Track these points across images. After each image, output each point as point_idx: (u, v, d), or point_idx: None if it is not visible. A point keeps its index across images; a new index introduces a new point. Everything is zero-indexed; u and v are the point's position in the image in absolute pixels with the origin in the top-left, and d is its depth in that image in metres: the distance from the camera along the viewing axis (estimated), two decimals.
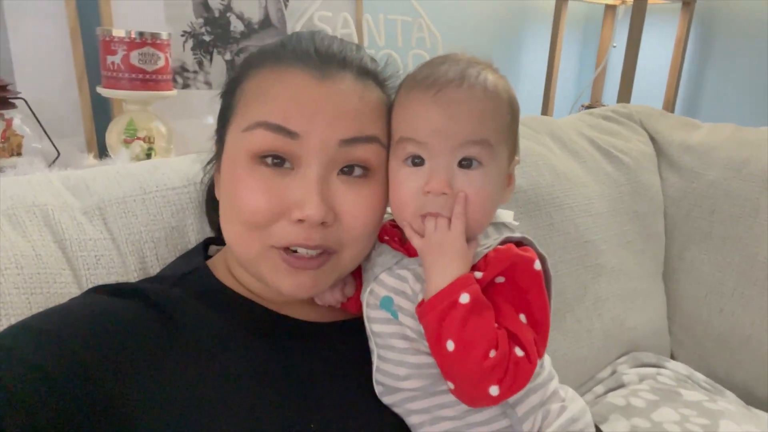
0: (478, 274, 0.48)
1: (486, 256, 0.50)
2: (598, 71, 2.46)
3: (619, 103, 1.33)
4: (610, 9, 2.43)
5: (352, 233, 0.52)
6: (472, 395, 0.48)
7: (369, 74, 0.55)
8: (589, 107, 2.21)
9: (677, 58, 2.22)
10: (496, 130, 0.51)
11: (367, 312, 0.55)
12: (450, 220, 0.49)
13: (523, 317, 0.49)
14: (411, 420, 0.54)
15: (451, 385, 0.48)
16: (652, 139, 1.21)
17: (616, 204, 1.09)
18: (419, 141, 0.49)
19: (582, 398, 0.57)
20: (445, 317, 0.46)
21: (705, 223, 1.09)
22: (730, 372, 1.04)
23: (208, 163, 0.64)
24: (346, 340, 0.58)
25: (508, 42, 2.40)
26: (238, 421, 0.47)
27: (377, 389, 0.55)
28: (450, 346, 0.45)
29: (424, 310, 0.48)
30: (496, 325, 0.47)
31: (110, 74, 1.16)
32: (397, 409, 0.54)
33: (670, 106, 2.23)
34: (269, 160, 0.51)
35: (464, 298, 0.46)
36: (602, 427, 0.81)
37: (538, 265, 0.50)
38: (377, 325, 0.54)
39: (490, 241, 0.51)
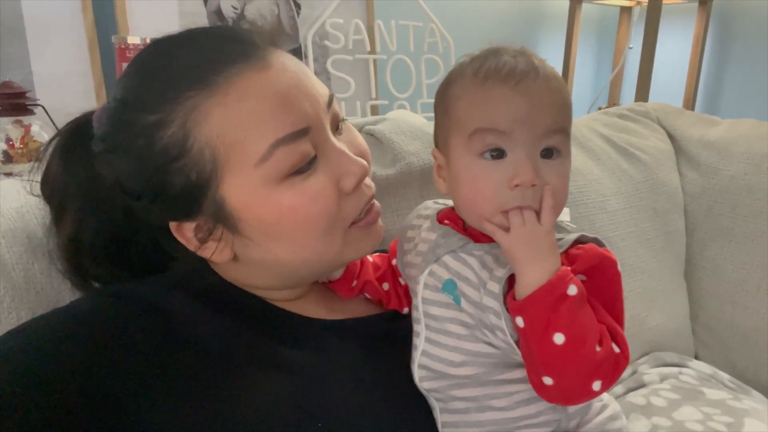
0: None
1: (568, 252, 0.48)
2: (614, 73, 2.44)
3: (635, 102, 1.31)
4: (626, 10, 2.41)
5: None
6: (573, 390, 0.46)
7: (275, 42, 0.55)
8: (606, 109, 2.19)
9: (695, 57, 2.19)
10: (569, 118, 0.51)
11: (423, 293, 0.53)
12: (536, 212, 0.47)
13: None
14: (452, 405, 0.52)
15: (549, 381, 0.45)
16: (670, 136, 1.19)
17: (634, 201, 1.07)
18: (501, 131, 0.47)
19: None
20: (555, 310, 0.44)
21: (726, 219, 1.07)
22: (756, 372, 1.01)
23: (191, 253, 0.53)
24: (351, 338, 0.57)
25: (522, 45, 2.39)
26: (250, 425, 0.46)
27: (419, 373, 0.54)
28: (559, 339, 0.43)
29: (526, 304, 0.45)
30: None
31: None
32: (435, 395, 0.53)
33: (689, 105, 2.20)
34: (305, 167, 0.49)
35: (572, 290, 0.44)
36: None
37: (619, 267, 0.49)
38: (435, 308, 0.52)
39: (561, 234, 0.50)
